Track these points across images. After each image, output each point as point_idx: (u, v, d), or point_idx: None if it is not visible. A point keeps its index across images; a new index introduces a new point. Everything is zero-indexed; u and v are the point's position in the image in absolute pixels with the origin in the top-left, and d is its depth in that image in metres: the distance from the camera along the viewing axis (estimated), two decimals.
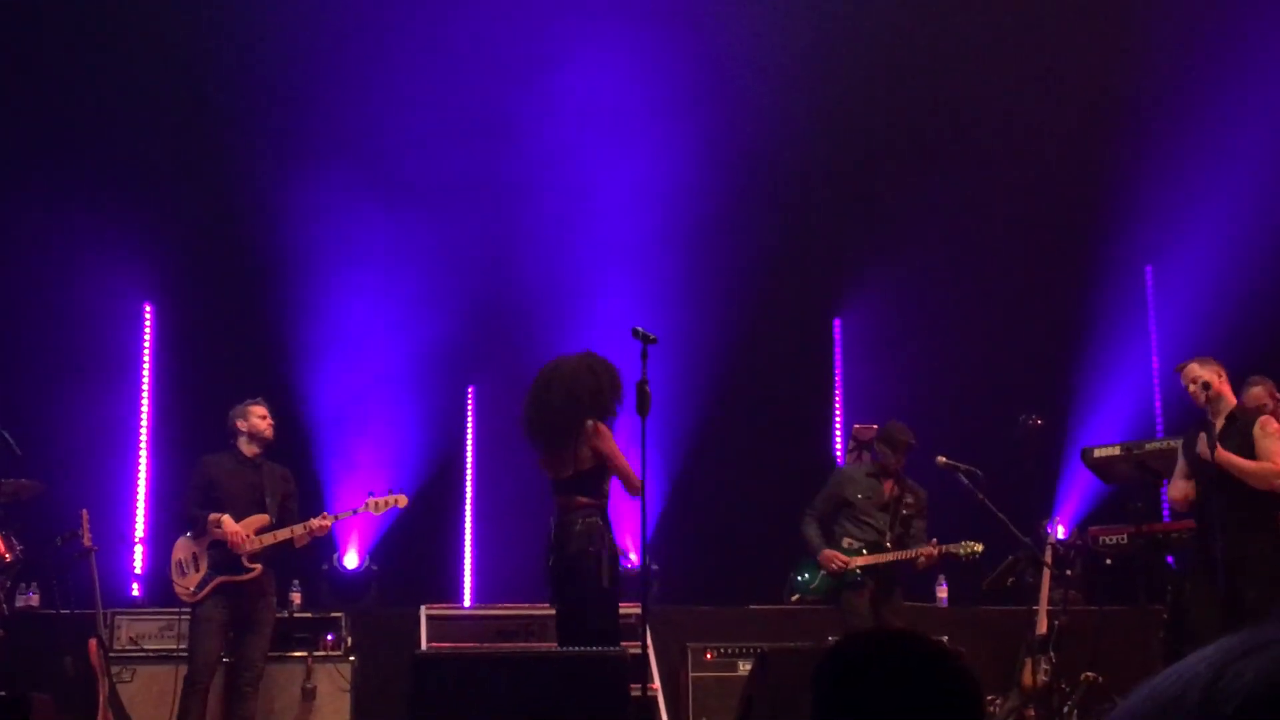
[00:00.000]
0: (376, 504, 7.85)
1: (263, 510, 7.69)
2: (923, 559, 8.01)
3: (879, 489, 8.21)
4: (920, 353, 10.85)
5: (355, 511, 7.93)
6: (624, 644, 6.61)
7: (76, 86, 9.97)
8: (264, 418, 7.85)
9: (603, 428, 6.83)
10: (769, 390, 10.84)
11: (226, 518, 7.58)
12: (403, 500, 7.92)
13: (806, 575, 8.30)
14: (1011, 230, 10.91)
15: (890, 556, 8.02)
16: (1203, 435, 7.08)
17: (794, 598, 8.46)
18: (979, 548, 7.96)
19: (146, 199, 10.09)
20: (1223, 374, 7.22)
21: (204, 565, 7.57)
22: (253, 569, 7.57)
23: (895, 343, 10.92)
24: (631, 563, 9.12)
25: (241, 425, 7.83)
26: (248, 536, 7.56)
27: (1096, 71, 10.72)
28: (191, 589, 7.57)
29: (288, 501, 7.84)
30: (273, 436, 7.90)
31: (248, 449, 7.81)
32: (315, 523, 7.68)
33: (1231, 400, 7.22)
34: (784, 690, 6.06)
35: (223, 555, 7.57)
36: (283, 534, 7.63)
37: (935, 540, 8.06)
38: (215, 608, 7.56)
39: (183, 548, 7.66)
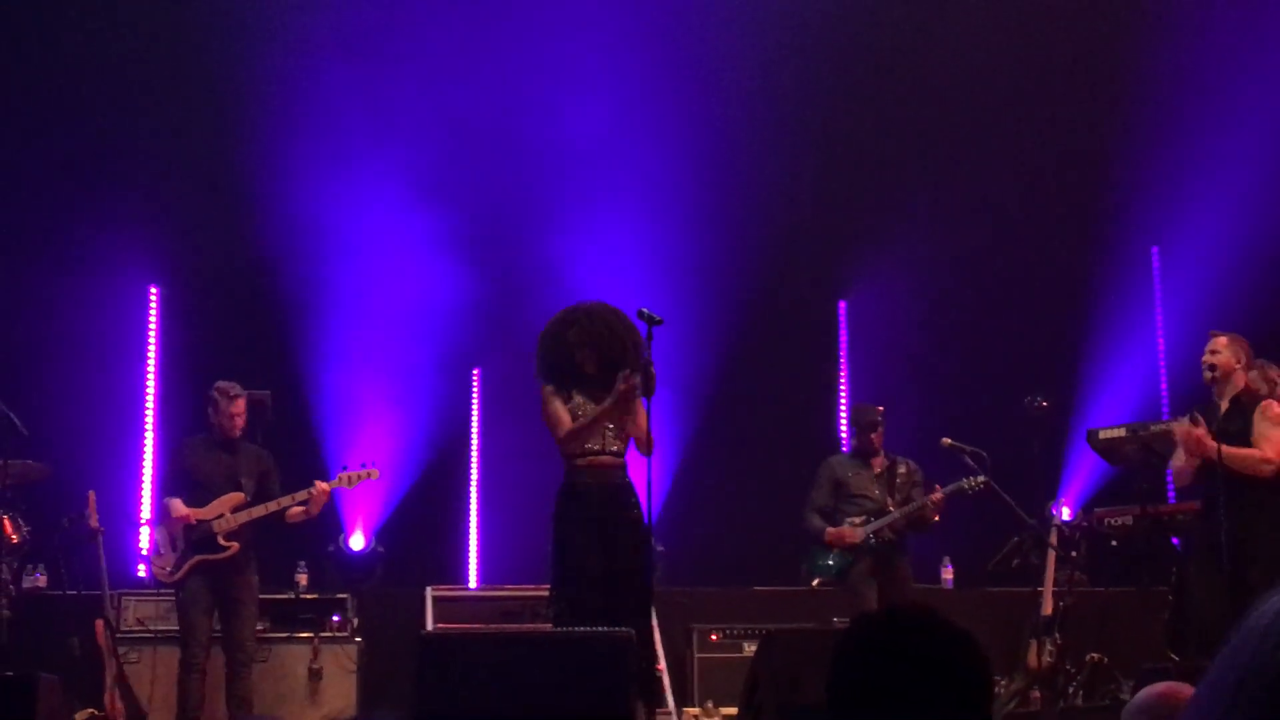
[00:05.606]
0: (349, 478, 7.79)
1: (238, 490, 7.68)
2: (930, 505, 8.05)
3: (867, 465, 8.38)
4: (925, 335, 10.84)
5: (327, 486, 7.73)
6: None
7: (81, 69, 9.96)
8: (230, 409, 7.71)
9: (543, 390, 6.68)
10: (774, 373, 10.83)
11: (176, 501, 7.60)
12: (375, 474, 7.86)
13: (820, 560, 8.31)
14: (1017, 211, 10.88)
15: (897, 514, 8.10)
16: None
17: (815, 582, 8.45)
18: (982, 478, 7.99)
19: (152, 181, 10.08)
20: (1243, 358, 7.16)
21: (180, 545, 7.58)
22: (228, 547, 7.55)
23: (900, 325, 10.91)
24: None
25: (211, 412, 7.80)
26: (219, 516, 7.55)
27: (1102, 50, 10.68)
28: (169, 569, 7.58)
29: (265, 480, 7.79)
30: (237, 433, 7.77)
31: (220, 431, 7.79)
32: (313, 491, 7.60)
33: (1240, 385, 7.17)
34: (789, 671, 6.06)
35: (199, 535, 7.56)
36: (258, 511, 7.61)
37: (938, 486, 8.13)
38: (197, 587, 7.55)
39: (162, 531, 7.69)
